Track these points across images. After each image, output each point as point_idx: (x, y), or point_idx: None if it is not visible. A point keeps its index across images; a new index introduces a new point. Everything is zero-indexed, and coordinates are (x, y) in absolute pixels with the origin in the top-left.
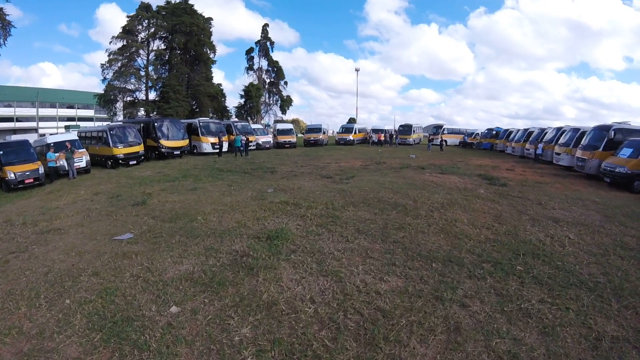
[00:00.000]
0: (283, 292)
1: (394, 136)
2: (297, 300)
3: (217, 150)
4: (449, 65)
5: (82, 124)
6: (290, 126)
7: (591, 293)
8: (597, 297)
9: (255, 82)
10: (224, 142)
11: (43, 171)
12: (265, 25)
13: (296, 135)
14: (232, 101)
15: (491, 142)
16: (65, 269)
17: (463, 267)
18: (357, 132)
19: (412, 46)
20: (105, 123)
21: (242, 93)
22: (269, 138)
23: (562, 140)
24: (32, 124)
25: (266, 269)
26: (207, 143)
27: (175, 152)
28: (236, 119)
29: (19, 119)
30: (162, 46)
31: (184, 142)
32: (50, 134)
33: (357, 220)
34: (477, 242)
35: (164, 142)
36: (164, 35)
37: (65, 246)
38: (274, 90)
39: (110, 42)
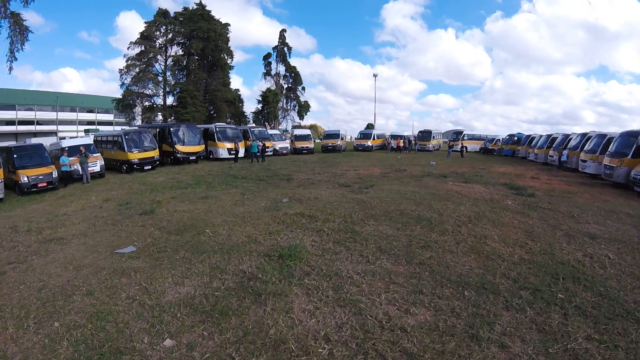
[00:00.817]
0: (294, 326)
1: (413, 142)
2: (309, 338)
3: (233, 156)
4: (467, 70)
5: (101, 128)
6: (307, 132)
7: (639, 325)
8: None
9: (273, 88)
10: (240, 148)
11: (57, 175)
12: (283, 31)
13: (314, 141)
14: (250, 107)
15: (513, 149)
16: (59, 286)
17: (499, 295)
18: (375, 138)
19: (429, 51)
20: (119, 128)
21: (260, 98)
22: (286, 144)
23: (587, 146)
24: (53, 128)
25: (275, 295)
26: (223, 148)
27: (190, 158)
28: (253, 125)
29: (39, 123)
30: (180, 52)
31: (200, 148)
32: (70, 138)
33: (379, 237)
34: (512, 264)
35: (179, 147)
36: (181, 41)
37: (64, 258)
38: (292, 95)
39: (128, 48)
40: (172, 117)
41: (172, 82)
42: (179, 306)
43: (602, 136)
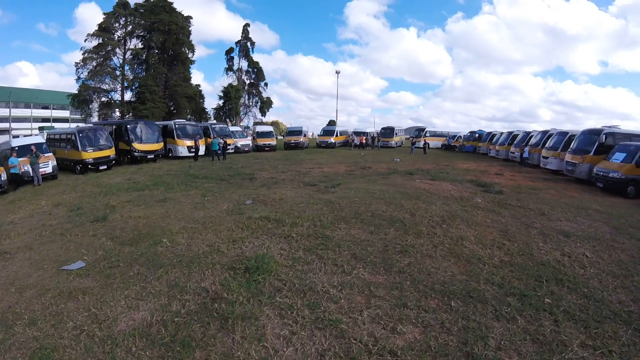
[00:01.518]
0: (268, 357)
1: (376, 139)
2: None
3: (193, 154)
4: (428, 68)
5: (57, 125)
6: (270, 128)
7: (627, 327)
8: (635, 332)
9: (235, 83)
10: (200, 146)
11: (5, 178)
12: (246, 25)
13: (276, 137)
14: (211, 103)
15: (474, 145)
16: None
17: (487, 304)
18: (338, 134)
19: (391, 49)
20: (74, 125)
21: (221, 94)
22: (247, 141)
23: (549, 143)
24: (6, 125)
25: (245, 319)
26: (182, 146)
27: (149, 156)
28: (214, 121)
29: None
30: (140, 45)
31: (159, 146)
32: (25, 136)
33: (352, 242)
34: (493, 268)
35: (136, 146)
36: (141, 34)
37: (6, 277)
38: (254, 91)
39: (85, 40)
40: (130, 114)
41: (131, 77)
42: (134, 337)
43: (563, 134)
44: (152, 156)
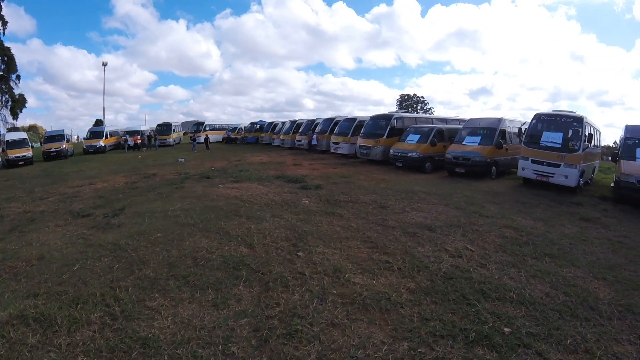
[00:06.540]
0: None
1: (153, 138)
2: None
3: None
4: (197, 62)
5: None
6: (23, 135)
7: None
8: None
9: None
10: None
11: None
12: None
13: (33, 146)
14: None
15: (256, 136)
16: None
17: None
18: (108, 136)
19: (160, 41)
20: None
21: None
22: None
23: (337, 130)
24: None
25: None
26: None
27: None
28: None
29: None
30: None
31: None
32: None
33: (196, 342)
34: (414, 307)
35: None
36: None
37: None
38: (3, 87)
39: None
40: None
41: None
42: None
43: (350, 120)
44: None
